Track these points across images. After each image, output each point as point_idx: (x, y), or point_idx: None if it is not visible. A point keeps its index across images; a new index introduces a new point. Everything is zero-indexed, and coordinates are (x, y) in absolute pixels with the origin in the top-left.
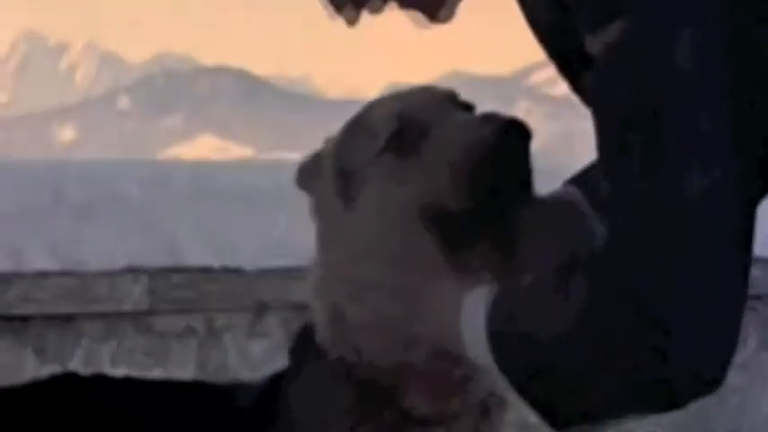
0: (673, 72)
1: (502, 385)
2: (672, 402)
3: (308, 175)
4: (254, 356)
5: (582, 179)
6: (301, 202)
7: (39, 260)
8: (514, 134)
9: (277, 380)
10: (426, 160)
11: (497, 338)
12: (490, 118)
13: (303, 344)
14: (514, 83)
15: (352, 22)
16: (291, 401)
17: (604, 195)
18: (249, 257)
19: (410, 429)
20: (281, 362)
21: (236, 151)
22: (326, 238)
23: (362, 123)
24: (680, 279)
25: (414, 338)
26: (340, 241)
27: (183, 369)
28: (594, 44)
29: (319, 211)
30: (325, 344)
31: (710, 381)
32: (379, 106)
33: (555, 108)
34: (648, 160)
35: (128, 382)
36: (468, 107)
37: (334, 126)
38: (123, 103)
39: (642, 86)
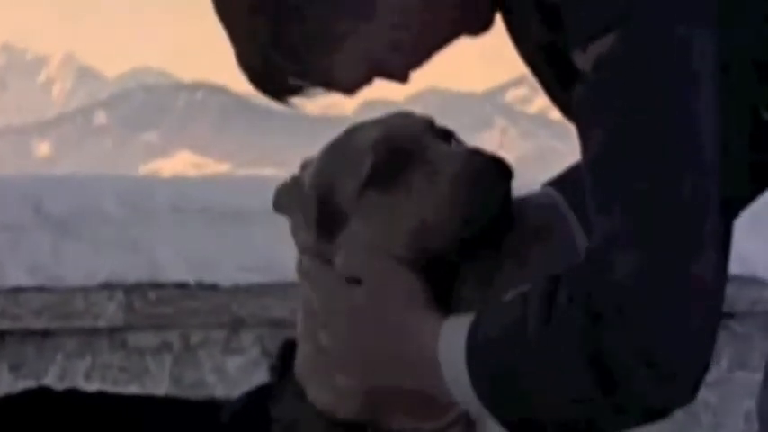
0: (669, 77)
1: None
2: (659, 411)
3: (286, 199)
4: (230, 373)
5: (561, 182)
6: (278, 219)
7: (16, 275)
8: (499, 171)
9: (254, 396)
10: (410, 198)
11: (476, 366)
12: (475, 154)
13: (283, 361)
14: (490, 100)
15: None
16: (272, 418)
17: (594, 203)
18: (225, 274)
19: None
20: (256, 378)
21: (214, 167)
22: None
23: (342, 153)
24: (678, 281)
25: (392, 373)
26: (319, 272)
27: (158, 385)
28: (584, 59)
29: (298, 235)
30: (303, 383)
31: (693, 385)
32: (359, 134)
33: (530, 126)
34: (646, 163)
35: (101, 397)
36: (446, 134)
37: (310, 141)
38: (101, 118)
39: (638, 94)
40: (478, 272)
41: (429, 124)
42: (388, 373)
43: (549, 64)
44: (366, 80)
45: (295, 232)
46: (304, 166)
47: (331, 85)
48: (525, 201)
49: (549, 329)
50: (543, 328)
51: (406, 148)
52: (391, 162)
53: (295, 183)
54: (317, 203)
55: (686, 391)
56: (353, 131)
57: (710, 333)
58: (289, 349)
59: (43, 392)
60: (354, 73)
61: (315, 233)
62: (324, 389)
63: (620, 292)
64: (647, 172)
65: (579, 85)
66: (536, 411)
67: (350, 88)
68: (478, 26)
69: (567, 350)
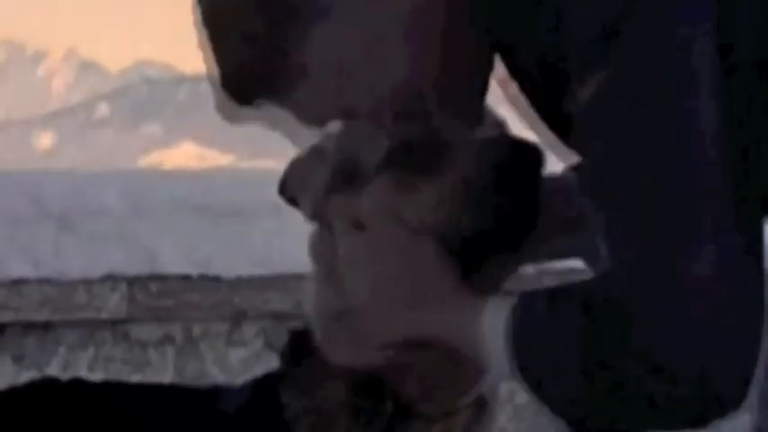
0: (670, 78)
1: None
2: (695, 421)
3: (305, 169)
4: (232, 365)
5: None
6: (280, 211)
7: (17, 268)
8: (529, 156)
9: (261, 384)
10: (434, 181)
11: (518, 348)
12: (504, 137)
13: (296, 346)
14: (491, 91)
15: None
16: (285, 403)
17: (594, 203)
18: (227, 266)
19: (407, 424)
20: (259, 370)
21: (216, 159)
22: (326, 238)
23: (365, 129)
24: (677, 281)
25: (424, 340)
26: (343, 247)
27: (160, 377)
28: (576, 101)
29: (317, 210)
30: (325, 349)
31: (730, 399)
32: None
33: (534, 116)
34: (645, 164)
35: (107, 387)
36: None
37: (313, 133)
38: (102, 111)
39: (639, 100)
40: (500, 261)
41: None
42: (413, 320)
43: (542, 83)
44: (334, 116)
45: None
46: (327, 137)
47: (300, 112)
48: (553, 182)
49: (551, 327)
50: (546, 326)
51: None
52: (410, 143)
53: (315, 151)
54: (341, 164)
55: (707, 397)
56: None
57: (723, 334)
58: (298, 338)
59: (48, 383)
60: (323, 103)
61: (332, 184)
62: (342, 341)
63: (619, 291)
64: (646, 173)
65: (578, 108)
66: (553, 402)
67: (318, 119)
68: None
69: (568, 351)
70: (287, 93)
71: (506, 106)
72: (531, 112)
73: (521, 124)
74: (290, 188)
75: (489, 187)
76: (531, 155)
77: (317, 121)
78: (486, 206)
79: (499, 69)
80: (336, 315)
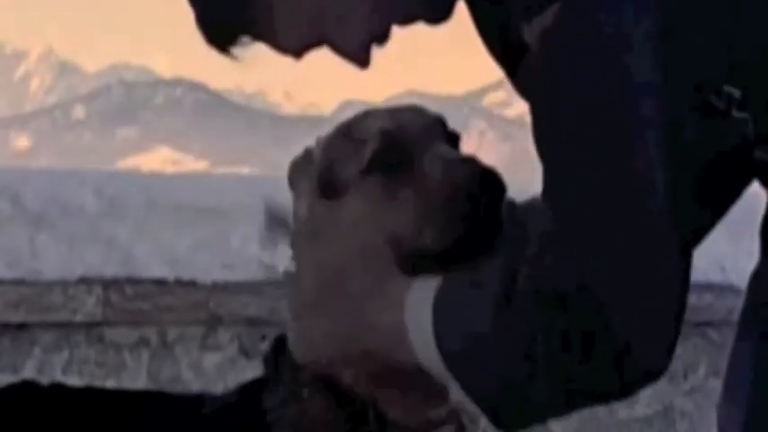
0: (613, 50)
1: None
2: (619, 391)
3: (298, 171)
4: (207, 369)
5: None
6: (256, 217)
7: None
8: (491, 185)
9: (245, 391)
10: (405, 193)
11: (442, 335)
12: (468, 162)
13: (278, 352)
14: (468, 103)
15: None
16: (266, 408)
17: (545, 187)
18: (203, 270)
19: None
20: (233, 375)
21: (191, 164)
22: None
23: (351, 134)
24: (626, 265)
25: (364, 350)
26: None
27: (135, 380)
28: (529, 32)
29: (301, 213)
30: (297, 357)
31: (655, 368)
32: (369, 120)
33: (508, 129)
34: (591, 145)
35: (87, 392)
36: (453, 136)
37: (289, 141)
38: (79, 112)
39: (581, 69)
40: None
41: (440, 122)
42: (355, 327)
43: (509, 53)
44: (313, 44)
45: (296, 202)
46: (318, 143)
47: (276, 41)
48: (531, 207)
49: (506, 311)
50: (500, 309)
51: (409, 143)
52: (393, 154)
53: (307, 154)
54: (322, 174)
55: (650, 370)
56: (366, 115)
57: (666, 312)
58: (281, 344)
59: (28, 387)
60: (297, 31)
61: (318, 196)
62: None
63: (569, 283)
64: (590, 156)
65: (528, 58)
66: (492, 383)
67: (295, 48)
68: (437, 10)
69: (519, 336)
70: (262, 22)
71: (482, 118)
72: (503, 126)
73: (495, 136)
74: (291, 188)
75: (457, 207)
76: (496, 182)
77: (293, 50)
78: (453, 223)
79: None
80: (295, 315)
